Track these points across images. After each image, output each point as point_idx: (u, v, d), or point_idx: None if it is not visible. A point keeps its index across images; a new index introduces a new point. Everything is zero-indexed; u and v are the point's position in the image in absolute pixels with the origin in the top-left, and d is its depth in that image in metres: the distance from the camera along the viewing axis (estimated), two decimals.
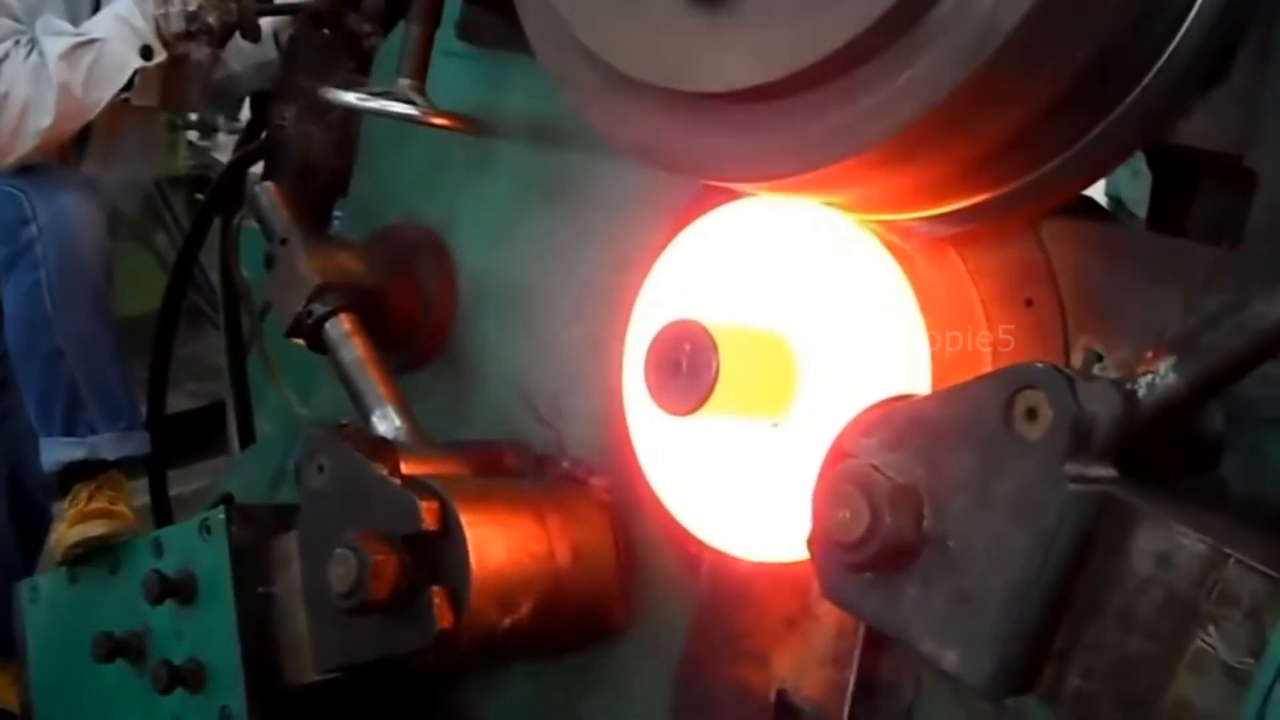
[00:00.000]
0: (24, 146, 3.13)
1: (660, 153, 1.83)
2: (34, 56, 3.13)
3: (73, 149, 3.41)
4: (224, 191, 3.36)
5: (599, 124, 1.89)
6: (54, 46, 3.12)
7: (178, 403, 3.60)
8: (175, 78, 3.36)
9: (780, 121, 1.65)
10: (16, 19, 3.22)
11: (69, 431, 3.21)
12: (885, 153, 1.59)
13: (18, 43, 3.15)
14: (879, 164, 1.62)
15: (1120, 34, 1.53)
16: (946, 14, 1.50)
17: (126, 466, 3.31)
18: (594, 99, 1.87)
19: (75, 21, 3.29)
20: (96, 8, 3.35)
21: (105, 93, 3.18)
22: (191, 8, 3.18)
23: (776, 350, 1.88)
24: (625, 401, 2.10)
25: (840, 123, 1.60)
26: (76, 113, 3.18)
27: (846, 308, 1.84)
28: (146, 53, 3.18)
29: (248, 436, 3.53)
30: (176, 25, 3.19)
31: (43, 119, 3.13)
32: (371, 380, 2.52)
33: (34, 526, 3.74)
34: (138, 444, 3.29)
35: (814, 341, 1.86)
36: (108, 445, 3.23)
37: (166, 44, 3.20)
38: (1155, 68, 1.62)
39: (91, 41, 3.13)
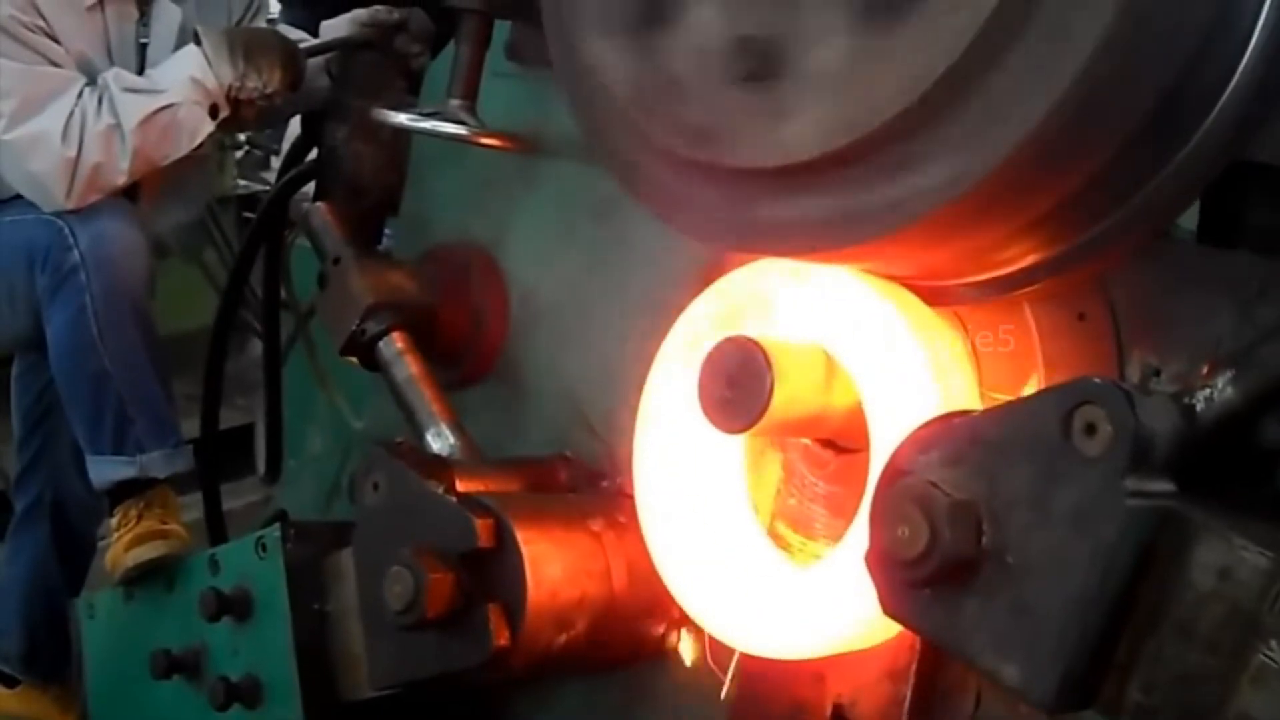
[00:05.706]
0: (90, 199, 3.17)
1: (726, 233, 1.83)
2: (105, 116, 3.13)
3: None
4: (274, 212, 3.39)
5: (662, 215, 1.91)
6: (132, 111, 3.13)
7: (226, 418, 3.61)
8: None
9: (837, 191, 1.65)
10: (55, 63, 3.20)
11: (118, 450, 3.23)
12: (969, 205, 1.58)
13: (80, 95, 3.15)
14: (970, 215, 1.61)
15: (1192, 58, 1.52)
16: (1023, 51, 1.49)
17: (175, 482, 3.34)
18: (654, 188, 1.88)
19: (124, 60, 3.34)
20: (142, 52, 3.40)
21: (176, 154, 3.23)
22: (268, 90, 3.24)
23: (827, 369, 1.88)
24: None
25: (909, 187, 1.59)
26: (145, 170, 3.23)
27: (890, 324, 1.83)
28: (214, 111, 3.23)
29: (276, 460, 3.55)
30: (245, 96, 3.24)
31: (116, 179, 3.17)
32: (425, 398, 2.55)
33: (75, 553, 3.76)
34: (185, 461, 3.32)
35: (860, 360, 1.86)
36: (157, 464, 3.25)
37: (230, 103, 3.25)
38: (1227, 90, 1.60)
39: (169, 106, 3.17)
